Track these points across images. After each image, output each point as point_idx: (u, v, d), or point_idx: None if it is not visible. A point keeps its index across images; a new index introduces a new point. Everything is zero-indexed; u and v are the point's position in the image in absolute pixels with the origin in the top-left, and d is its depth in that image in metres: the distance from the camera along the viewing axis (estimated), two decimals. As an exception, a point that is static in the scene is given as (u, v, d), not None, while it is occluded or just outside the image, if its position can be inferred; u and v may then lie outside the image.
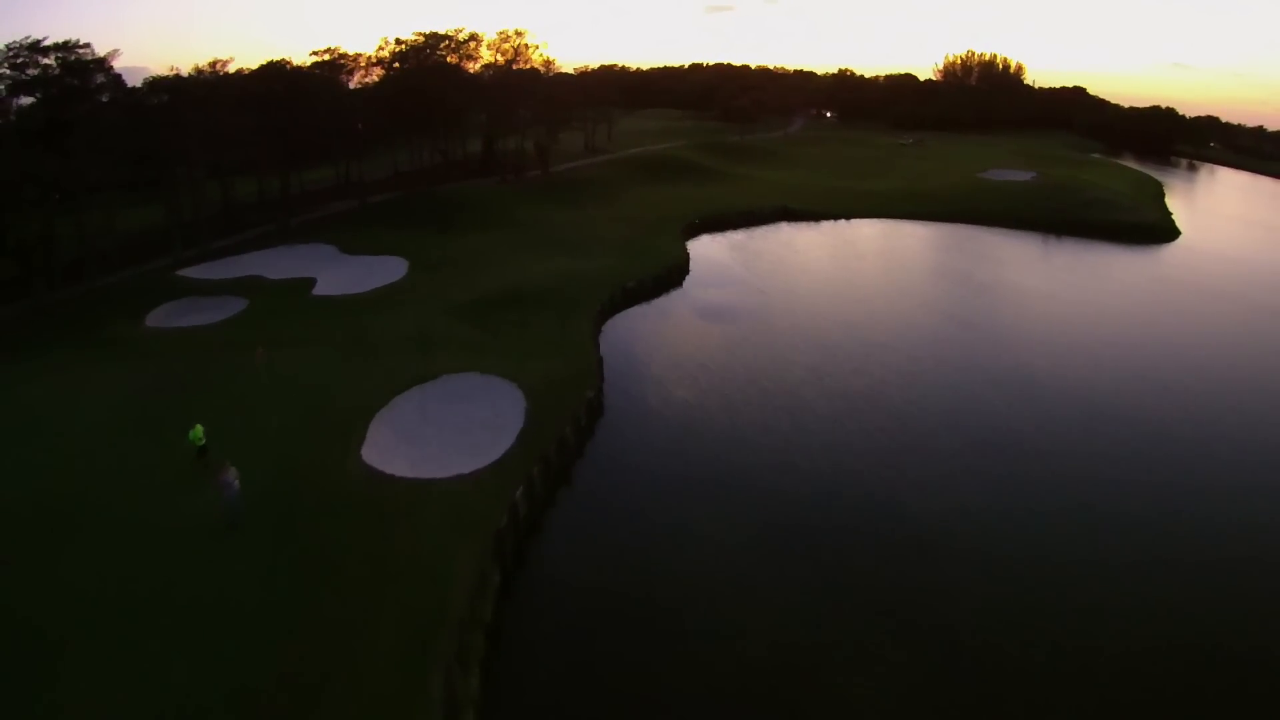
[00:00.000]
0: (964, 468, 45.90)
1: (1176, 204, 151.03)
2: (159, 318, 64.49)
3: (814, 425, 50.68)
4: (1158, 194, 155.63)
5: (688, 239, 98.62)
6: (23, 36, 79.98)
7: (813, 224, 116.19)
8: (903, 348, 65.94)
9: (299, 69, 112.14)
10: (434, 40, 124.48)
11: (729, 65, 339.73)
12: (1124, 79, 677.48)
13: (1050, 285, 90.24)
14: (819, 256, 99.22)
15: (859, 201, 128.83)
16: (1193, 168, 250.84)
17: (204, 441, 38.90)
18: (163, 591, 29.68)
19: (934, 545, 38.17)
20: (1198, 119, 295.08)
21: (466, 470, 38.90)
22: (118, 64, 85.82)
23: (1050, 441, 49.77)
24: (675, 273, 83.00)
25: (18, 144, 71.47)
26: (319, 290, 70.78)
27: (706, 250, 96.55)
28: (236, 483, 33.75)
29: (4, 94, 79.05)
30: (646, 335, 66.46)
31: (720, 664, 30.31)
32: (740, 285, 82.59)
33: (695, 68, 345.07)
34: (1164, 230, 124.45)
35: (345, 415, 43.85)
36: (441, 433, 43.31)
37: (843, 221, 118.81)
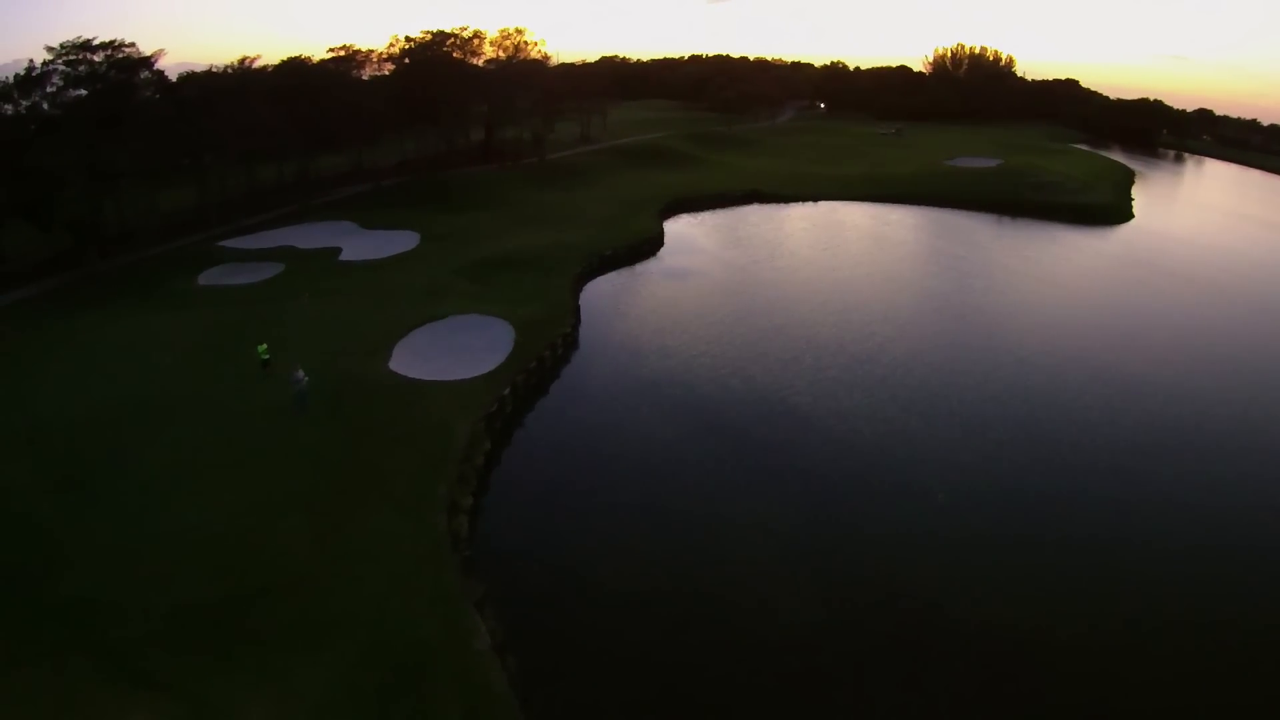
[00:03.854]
0: (847, 376, 59.05)
1: (1145, 191, 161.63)
2: (209, 278, 76.25)
3: (737, 352, 63.98)
4: (1123, 181, 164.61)
5: (664, 217, 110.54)
6: (74, 37, 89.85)
7: (780, 205, 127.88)
8: (820, 299, 79.86)
9: (318, 64, 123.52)
10: (441, 38, 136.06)
11: (724, 57, 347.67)
12: (1124, 70, 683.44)
13: (972, 250, 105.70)
14: (775, 230, 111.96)
15: (825, 185, 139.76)
16: (1179, 159, 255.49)
17: (268, 356, 51.30)
18: (253, 445, 42.33)
19: (812, 420, 51.20)
20: (1187, 111, 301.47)
21: (467, 376, 51.80)
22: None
23: (910, 341, 63.17)
24: (650, 244, 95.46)
25: (74, 132, 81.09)
26: (344, 257, 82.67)
27: (679, 227, 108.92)
28: (304, 379, 46.29)
29: (60, 86, 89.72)
30: (618, 292, 79.21)
31: (639, 493, 43.41)
32: (702, 254, 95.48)
33: (691, 59, 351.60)
34: (1116, 212, 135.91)
35: (374, 341, 56.38)
36: (449, 352, 56.01)
37: (808, 203, 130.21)
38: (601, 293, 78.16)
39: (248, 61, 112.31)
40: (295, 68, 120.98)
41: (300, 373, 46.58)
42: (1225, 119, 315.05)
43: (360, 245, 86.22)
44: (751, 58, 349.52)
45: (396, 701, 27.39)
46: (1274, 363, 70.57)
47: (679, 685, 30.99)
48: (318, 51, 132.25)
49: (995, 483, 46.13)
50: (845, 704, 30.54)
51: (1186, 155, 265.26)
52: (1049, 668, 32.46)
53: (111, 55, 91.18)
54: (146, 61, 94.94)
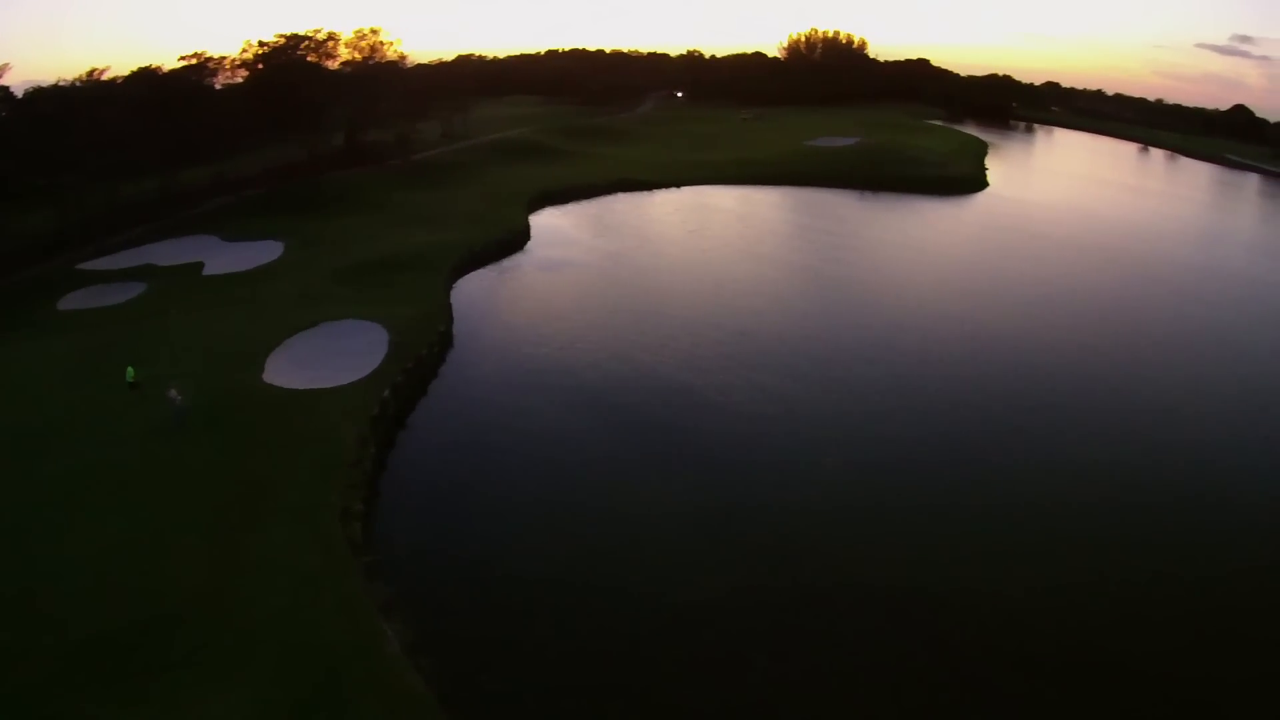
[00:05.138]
0: (725, 352, 62.56)
1: (998, 162, 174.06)
2: (70, 303, 73.98)
3: (615, 337, 66.69)
4: (979, 153, 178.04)
5: (532, 211, 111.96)
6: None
7: (646, 193, 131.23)
8: (692, 279, 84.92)
9: (170, 74, 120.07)
10: (294, 41, 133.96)
11: (584, 50, 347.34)
12: (982, 51, 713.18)
13: (837, 225, 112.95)
14: (643, 217, 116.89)
15: (691, 171, 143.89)
16: (1030, 130, 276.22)
17: (135, 378, 50.86)
18: (137, 469, 42.52)
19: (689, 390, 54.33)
20: (1037, 84, 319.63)
21: (346, 381, 52.70)
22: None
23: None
24: (518, 238, 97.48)
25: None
26: (208, 271, 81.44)
27: (546, 219, 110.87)
28: (179, 397, 46.32)
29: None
30: (489, 287, 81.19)
31: (532, 484, 45.50)
32: (572, 244, 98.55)
33: (550, 54, 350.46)
34: (972, 182, 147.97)
35: (247, 353, 56.70)
36: (325, 359, 56.76)
37: (674, 190, 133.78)
38: (475, 289, 79.57)
39: (97, 74, 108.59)
40: (147, 78, 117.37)
41: (174, 391, 46.52)
42: (1073, 90, 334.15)
43: (224, 258, 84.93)
44: (608, 50, 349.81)
45: (316, 714, 27.75)
46: (1125, 305, 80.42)
47: (596, 670, 32.38)
48: (168, 60, 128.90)
49: (879, 444, 50.08)
50: (761, 673, 32.22)
51: (1037, 126, 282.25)
52: (951, 624, 34.94)
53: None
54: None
